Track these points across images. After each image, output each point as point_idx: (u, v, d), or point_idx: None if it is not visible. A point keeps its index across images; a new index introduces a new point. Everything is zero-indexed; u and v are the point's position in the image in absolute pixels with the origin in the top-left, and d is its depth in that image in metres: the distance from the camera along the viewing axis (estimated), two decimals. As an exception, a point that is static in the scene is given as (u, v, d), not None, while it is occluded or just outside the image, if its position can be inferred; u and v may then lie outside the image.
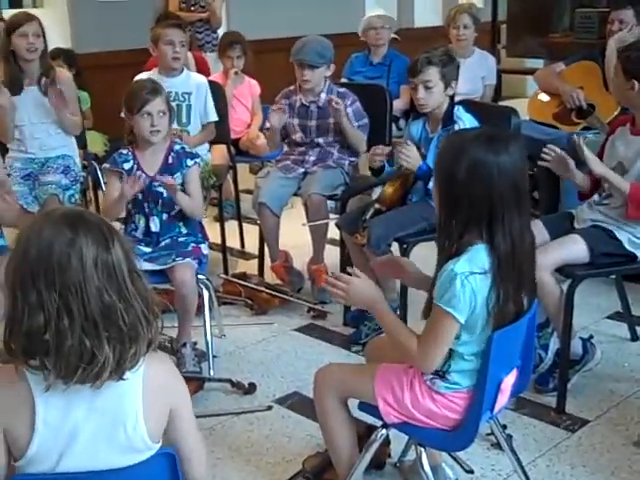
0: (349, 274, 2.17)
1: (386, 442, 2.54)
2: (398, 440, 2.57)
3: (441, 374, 2.13)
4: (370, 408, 2.25)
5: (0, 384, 1.54)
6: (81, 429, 1.53)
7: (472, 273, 1.98)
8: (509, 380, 2.20)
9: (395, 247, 3.49)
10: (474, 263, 2.00)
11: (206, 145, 4.45)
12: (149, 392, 1.56)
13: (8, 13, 6.02)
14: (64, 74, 4.17)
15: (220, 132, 4.46)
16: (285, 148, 4.25)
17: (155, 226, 3.35)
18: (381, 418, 2.22)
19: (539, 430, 2.89)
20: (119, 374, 1.50)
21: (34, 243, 1.46)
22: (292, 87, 4.17)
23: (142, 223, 3.37)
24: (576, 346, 3.11)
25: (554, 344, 3.17)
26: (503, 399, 2.21)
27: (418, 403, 2.16)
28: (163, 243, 3.34)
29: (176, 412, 1.63)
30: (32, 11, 6.44)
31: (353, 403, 2.33)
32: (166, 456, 1.63)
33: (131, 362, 1.51)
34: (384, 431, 2.27)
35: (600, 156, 3.10)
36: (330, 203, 4.07)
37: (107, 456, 1.55)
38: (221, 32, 6.46)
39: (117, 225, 3.41)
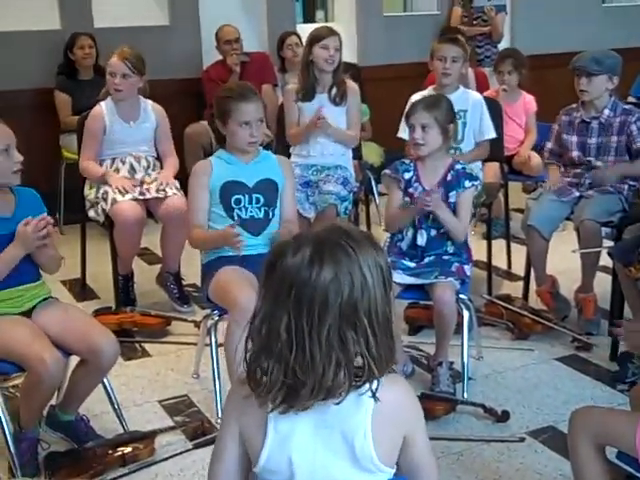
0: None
1: (646, 497, 2.35)
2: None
3: None
4: (629, 459, 2.09)
5: (242, 383, 1.58)
6: (309, 441, 1.55)
7: None
8: None
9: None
10: None
11: (479, 163, 4.38)
12: (379, 415, 1.54)
13: (302, 28, 6.37)
14: (353, 86, 4.34)
15: (494, 149, 4.38)
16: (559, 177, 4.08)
17: (422, 240, 3.34)
18: (641, 471, 2.06)
19: None
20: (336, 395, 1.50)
21: (286, 260, 1.49)
22: (574, 105, 4.01)
23: (410, 235, 3.37)
24: None
25: None
26: None
27: (684, 462, 1.97)
28: (427, 259, 3.33)
29: (410, 439, 1.60)
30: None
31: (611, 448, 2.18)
32: (402, 485, 1.61)
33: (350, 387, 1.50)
34: (643, 485, 2.10)
35: None
36: (605, 229, 3.85)
37: (338, 470, 1.56)
38: (502, 47, 6.38)
39: (384, 235, 3.47)
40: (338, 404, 1.51)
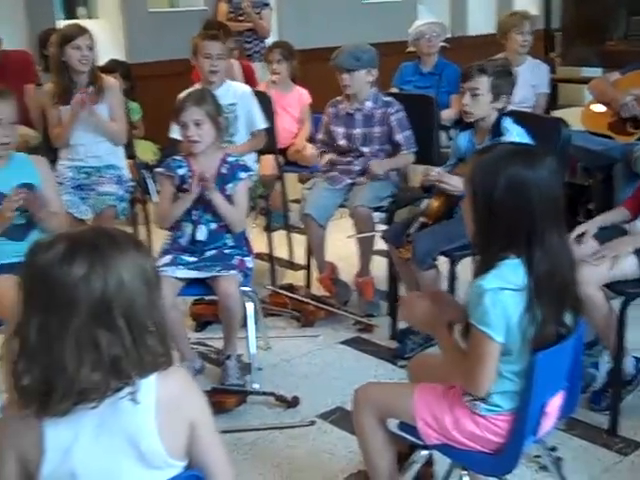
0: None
1: (429, 463, 2.48)
2: (444, 460, 2.50)
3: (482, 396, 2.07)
4: (410, 428, 2.20)
5: (11, 409, 1.52)
6: (92, 449, 1.50)
7: (502, 289, 1.92)
8: (554, 403, 2.13)
9: (442, 260, 3.43)
10: (504, 279, 1.93)
11: (254, 155, 4.43)
12: (162, 410, 1.52)
13: (63, 24, 6.10)
14: (111, 81, 4.21)
15: (268, 142, 4.44)
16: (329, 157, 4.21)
17: (202, 235, 3.34)
18: (421, 439, 2.17)
19: (590, 453, 2.80)
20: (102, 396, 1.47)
21: (38, 257, 1.45)
22: (340, 97, 4.15)
23: (189, 231, 3.35)
24: (629, 365, 3.02)
25: (606, 362, 3.08)
26: (548, 422, 2.14)
27: (459, 425, 2.10)
28: (208, 254, 3.32)
29: (194, 427, 1.58)
30: (87, 22, 6.58)
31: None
32: (192, 478, 1.59)
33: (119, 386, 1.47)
34: (424, 452, 2.22)
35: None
36: (379, 214, 4.02)
37: (125, 474, 1.52)
38: (271, 42, 6.47)
39: (164, 234, 3.42)
40: (94, 408, 1.46)
